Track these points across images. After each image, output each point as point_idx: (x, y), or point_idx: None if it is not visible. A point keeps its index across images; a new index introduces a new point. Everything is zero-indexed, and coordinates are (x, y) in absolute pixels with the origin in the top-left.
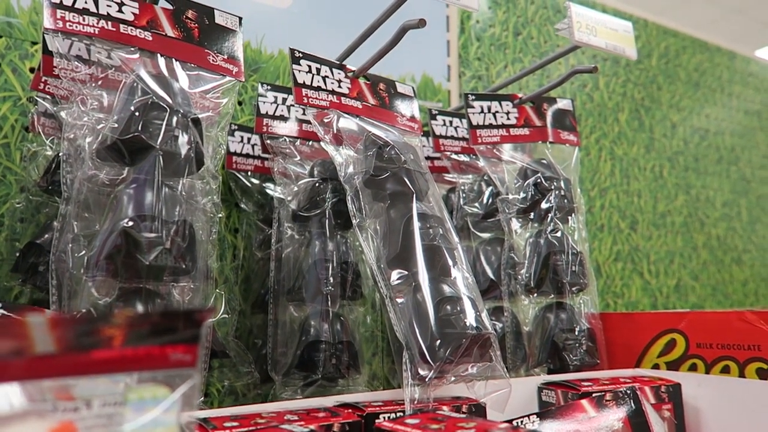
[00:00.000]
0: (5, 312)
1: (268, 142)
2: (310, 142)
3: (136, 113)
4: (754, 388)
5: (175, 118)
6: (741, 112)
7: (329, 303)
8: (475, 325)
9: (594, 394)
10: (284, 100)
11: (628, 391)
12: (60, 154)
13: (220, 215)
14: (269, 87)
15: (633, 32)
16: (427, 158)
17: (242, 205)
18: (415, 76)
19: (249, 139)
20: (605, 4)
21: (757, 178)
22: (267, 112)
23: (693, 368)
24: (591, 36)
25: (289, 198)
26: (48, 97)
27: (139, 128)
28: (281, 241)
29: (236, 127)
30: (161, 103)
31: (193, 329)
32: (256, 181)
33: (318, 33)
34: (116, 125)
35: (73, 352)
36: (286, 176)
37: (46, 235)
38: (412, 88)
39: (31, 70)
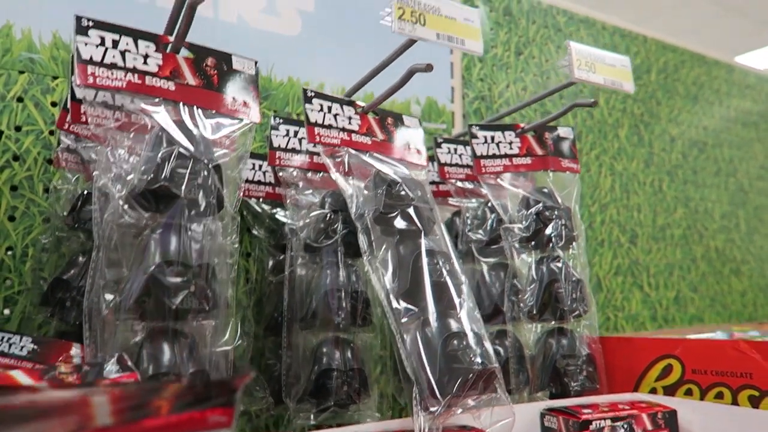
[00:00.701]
0: (35, 346)
1: (281, 174)
2: (321, 174)
3: (163, 163)
4: (746, 415)
5: (198, 167)
6: (739, 124)
7: (340, 330)
8: (480, 360)
9: (593, 424)
10: (296, 133)
11: (625, 425)
12: (85, 193)
13: (236, 245)
14: (281, 120)
15: (630, 67)
16: (432, 183)
17: (254, 231)
18: (420, 98)
19: (260, 167)
20: (605, 21)
21: (755, 189)
22: (279, 145)
23: (689, 393)
24: (590, 73)
25: (300, 227)
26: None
27: (166, 178)
28: (293, 268)
29: (249, 147)
30: (185, 153)
31: (229, 395)
32: (267, 207)
33: (325, 59)
34: (144, 176)
35: (128, 424)
36: (298, 206)
37: (72, 271)
38: (419, 120)
39: (53, 104)
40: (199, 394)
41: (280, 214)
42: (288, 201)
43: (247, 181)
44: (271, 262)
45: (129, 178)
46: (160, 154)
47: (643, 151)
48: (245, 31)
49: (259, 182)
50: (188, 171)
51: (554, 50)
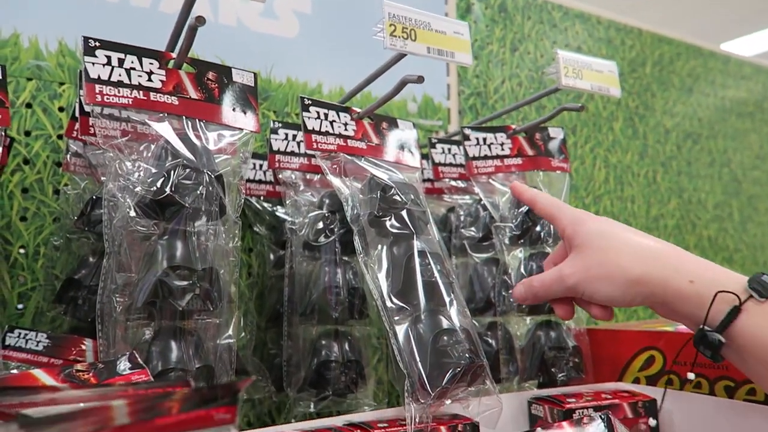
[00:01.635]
0: (50, 341)
1: (281, 176)
2: (320, 175)
3: (168, 175)
4: (722, 405)
5: (201, 177)
6: (734, 115)
7: (338, 324)
8: (468, 355)
9: (576, 413)
10: (294, 136)
11: (603, 416)
12: (94, 197)
13: (238, 246)
14: (281, 124)
15: (617, 72)
16: (427, 180)
17: (255, 228)
18: (417, 96)
19: (261, 166)
20: (600, 16)
21: (749, 178)
22: (279, 149)
23: (669, 383)
24: (577, 80)
25: (299, 226)
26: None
27: (172, 189)
28: (293, 264)
29: (249, 155)
30: (189, 165)
31: (233, 395)
32: (267, 205)
33: (323, 59)
34: (151, 188)
35: (143, 422)
36: (298, 207)
37: (83, 271)
38: (412, 123)
39: (60, 109)
40: (206, 395)
41: (280, 212)
42: (287, 201)
43: (248, 180)
44: (272, 257)
45: (137, 190)
46: (165, 167)
47: (637, 143)
48: (245, 33)
49: (259, 181)
50: (192, 181)
51: (549, 46)
